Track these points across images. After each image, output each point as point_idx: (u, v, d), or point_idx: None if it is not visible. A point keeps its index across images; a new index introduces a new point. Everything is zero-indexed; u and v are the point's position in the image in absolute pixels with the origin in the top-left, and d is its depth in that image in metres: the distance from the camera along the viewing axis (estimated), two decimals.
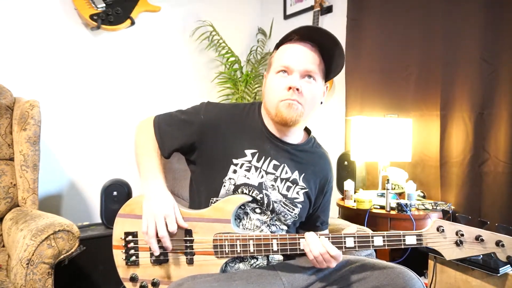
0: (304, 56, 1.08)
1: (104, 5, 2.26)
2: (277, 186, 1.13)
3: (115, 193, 2.02)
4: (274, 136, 1.16)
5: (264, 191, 1.12)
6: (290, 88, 1.06)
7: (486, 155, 1.94)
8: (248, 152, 1.13)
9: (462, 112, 2.02)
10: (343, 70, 2.55)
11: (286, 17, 3.04)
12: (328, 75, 1.15)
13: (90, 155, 2.40)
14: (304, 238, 1.04)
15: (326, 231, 1.28)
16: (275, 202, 1.13)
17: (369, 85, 2.42)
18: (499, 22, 1.89)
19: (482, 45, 1.94)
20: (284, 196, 1.14)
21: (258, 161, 1.13)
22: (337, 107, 2.66)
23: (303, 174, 1.16)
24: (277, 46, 1.15)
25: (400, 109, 2.26)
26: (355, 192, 2.10)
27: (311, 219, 1.25)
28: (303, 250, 1.04)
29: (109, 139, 2.46)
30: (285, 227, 1.17)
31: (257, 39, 3.18)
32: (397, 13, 2.29)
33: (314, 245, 0.98)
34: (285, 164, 1.14)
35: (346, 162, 2.26)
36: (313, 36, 1.09)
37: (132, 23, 2.36)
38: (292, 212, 1.15)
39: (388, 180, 1.86)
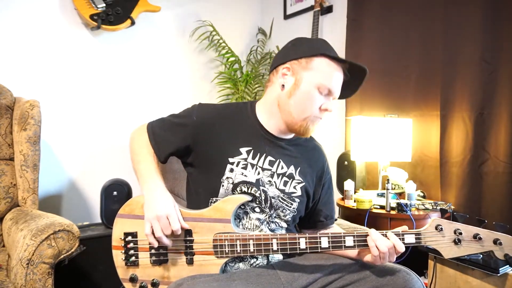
0: (340, 85, 1.13)
1: (104, 5, 2.26)
2: (274, 182, 1.14)
3: (115, 193, 2.01)
4: (268, 132, 1.16)
5: (261, 188, 1.12)
6: (325, 109, 1.10)
7: (486, 155, 1.94)
8: (243, 150, 1.13)
9: (462, 112, 2.02)
10: None
11: (286, 17, 3.04)
12: None
13: (90, 155, 2.40)
14: (304, 237, 1.04)
15: (334, 226, 1.28)
16: (273, 197, 1.13)
17: (369, 85, 2.41)
18: (499, 22, 1.89)
19: (482, 45, 1.94)
20: (282, 191, 1.14)
21: (253, 158, 1.13)
22: (337, 107, 2.65)
23: (299, 168, 1.17)
24: (317, 50, 1.11)
25: (400, 109, 2.26)
26: (355, 192, 2.10)
27: (314, 214, 1.25)
28: (303, 249, 1.04)
29: (109, 139, 2.46)
30: (284, 224, 1.18)
31: (257, 39, 3.18)
32: (397, 13, 2.29)
33: (382, 241, 0.99)
34: (280, 160, 1.15)
35: (346, 162, 2.26)
36: (348, 66, 1.12)
37: (132, 23, 2.36)
38: (290, 207, 1.16)
39: (388, 180, 1.86)
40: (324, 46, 1.12)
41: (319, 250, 1.05)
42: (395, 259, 1.02)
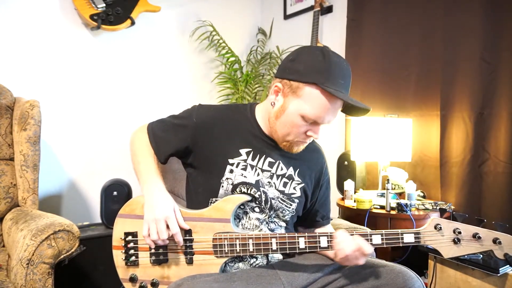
0: (334, 114, 1.06)
1: (104, 5, 2.26)
2: (274, 183, 1.14)
3: (115, 193, 2.02)
4: (267, 135, 1.16)
5: (261, 189, 1.13)
6: (311, 136, 1.07)
7: (486, 155, 1.94)
8: (243, 151, 1.13)
9: (462, 112, 2.02)
10: None
11: (286, 17, 3.04)
12: None
13: (90, 155, 2.40)
14: (303, 236, 1.04)
15: (329, 226, 1.29)
16: (273, 198, 1.14)
17: (369, 85, 2.42)
18: (499, 22, 1.89)
19: (482, 45, 1.94)
20: (281, 192, 1.15)
21: (253, 159, 1.13)
22: None
23: (298, 169, 1.17)
24: (310, 77, 1.01)
25: (400, 109, 2.26)
26: (355, 192, 2.10)
27: (311, 214, 1.26)
28: (302, 248, 1.04)
29: (109, 139, 2.46)
30: (283, 224, 1.18)
31: (257, 39, 3.18)
32: (397, 13, 2.29)
33: (347, 243, 0.99)
34: (280, 161, 1.15)
35: (346, 162, 2.26)
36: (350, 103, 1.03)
37: (132, 23, 2.36)
38: (289, 208, 1.16)
39: (388, 180, 1.86)
40: (322, 70, 1.01)
41: (318, 250, 1.05)
42: (363, 262, 1.02)
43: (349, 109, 1.09)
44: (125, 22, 2.34)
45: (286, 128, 1.08)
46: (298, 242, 1.04)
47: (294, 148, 1.11)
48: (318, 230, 1.26)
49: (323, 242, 1.04)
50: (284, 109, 1.06)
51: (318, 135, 1.07)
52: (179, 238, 1.06)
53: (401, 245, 1.03)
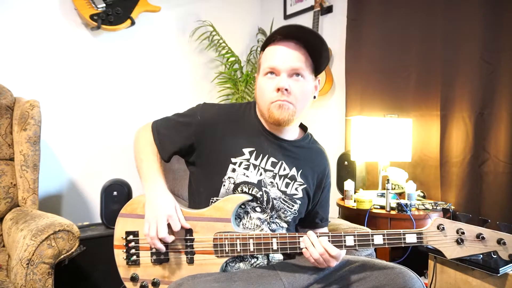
0: (288, 55, 1.07)
1: (104, 5, 2.26)
2: (276, 183, 1.14)
3: (115, 193, 2.01)
4: (271, 133, 1.16)
5: (263, 188, 1.12)
6: (279, 89, 1.06)
7: (486, 155, 1.95)
8: (246, 150, 1.13)
9: (462, 112, 2.03)
10: (343, 70, 2.56)
11: (286, 17, 3.04)
12: (318, 68, 1.14)
13: (90, 155, 2.40)
14: (303, 236, 1.04)
15: (326, 229, 1.30)
16: (275, 199, 1.14)
17: (369, 85, 2.42)
18: (499, 22, 1.89)
19: (482, 45, 1.94)
20: (283, 192, 1.15)
21: (256, 159, 1.13)
22: (337, 107, 2.66)
23: (301, 170, 1.17)
24: (263, 47, 1.14)
25: (400, 109, 2.26)
26: (355, 192, 2.10)
27: (310, 216, 1.26)
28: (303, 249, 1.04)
29: (109, 139, 2.46)
30: (285, 225, 1.18)
31: (257, 39, 3.18)
32: (397, 13, 2.29)
33: (313, 249, 1.00)
34: (283, 161, 1.15)
35: (346, 162, 2.26)
36: (295, 35, 1.08)
37: (132, 23, 2.36)
38: (291, 209, 1.16)
39: (388, 180, 1.86)
40: (271, 35, 1.09)
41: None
42: (334, 265, 1.03)
43: (316, 59, 1.10)
44: (125, 22, 2.34)
45: (261, 95, 1.11)
46: (299, 242, 1.04)
47: (275, 112, 1.08)
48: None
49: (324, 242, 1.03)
50: (257, 83, 1.15)
51: (284, 83, 1.06)
52: (180, 237, 1.06)
53: (403, 245, 1.02)
